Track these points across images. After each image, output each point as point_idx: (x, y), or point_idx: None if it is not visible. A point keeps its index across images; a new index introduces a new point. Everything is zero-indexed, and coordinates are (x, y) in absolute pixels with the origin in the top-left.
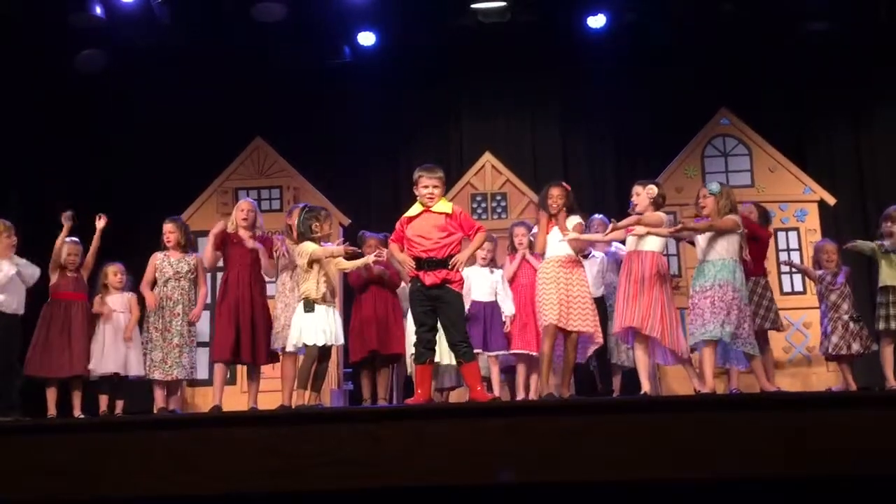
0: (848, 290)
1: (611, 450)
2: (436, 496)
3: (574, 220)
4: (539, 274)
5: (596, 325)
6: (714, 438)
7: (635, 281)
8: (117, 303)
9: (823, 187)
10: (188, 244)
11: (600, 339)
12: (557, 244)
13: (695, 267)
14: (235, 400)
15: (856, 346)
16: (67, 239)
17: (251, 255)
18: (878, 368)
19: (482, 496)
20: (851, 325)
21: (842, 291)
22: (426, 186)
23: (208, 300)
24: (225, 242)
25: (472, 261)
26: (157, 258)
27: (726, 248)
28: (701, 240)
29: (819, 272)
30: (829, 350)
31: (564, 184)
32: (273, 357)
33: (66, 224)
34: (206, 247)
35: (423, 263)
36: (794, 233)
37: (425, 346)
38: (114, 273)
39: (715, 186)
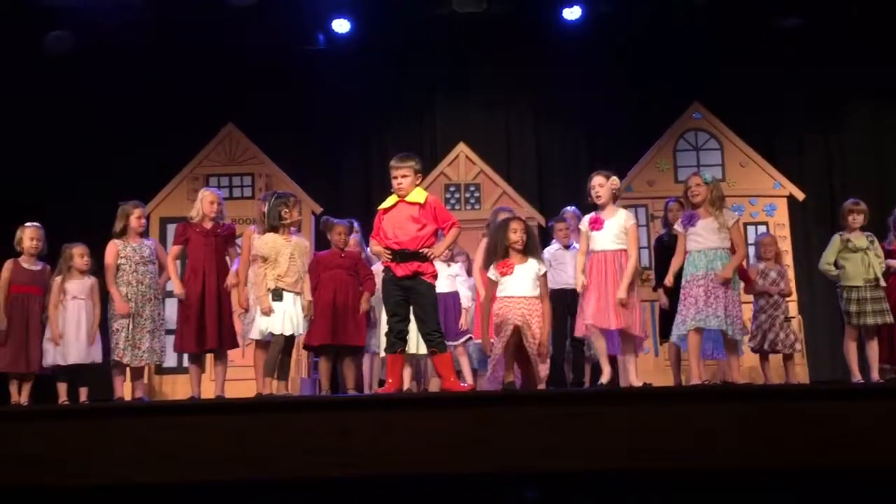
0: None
1: (582, 439)
2: (404, 485)
3: (542, 269)
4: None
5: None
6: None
7: (613, 282)
8: (78, 288)
9: (793, 182)
10: (147, 228)
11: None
12: (522, 285)
13: None
14: (203, 387)
15: (786, 345)
16: (28, 224)
17: (215, 242)
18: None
19: (450, 485)
20: (785, 323)
21: (782, 290)
22: (395, 177)
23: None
24: (187, 232)
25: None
26: (118, 245)
27: (719, 239)
28: (694, 232)
29: (761, 266)
30: (766, 346)
31: (521, 218)
32: (234, 342)
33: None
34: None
35: (395, 255)
36: (764, 227)
37: (396, 336)
38: (80, 255)
39: (708, 176)
